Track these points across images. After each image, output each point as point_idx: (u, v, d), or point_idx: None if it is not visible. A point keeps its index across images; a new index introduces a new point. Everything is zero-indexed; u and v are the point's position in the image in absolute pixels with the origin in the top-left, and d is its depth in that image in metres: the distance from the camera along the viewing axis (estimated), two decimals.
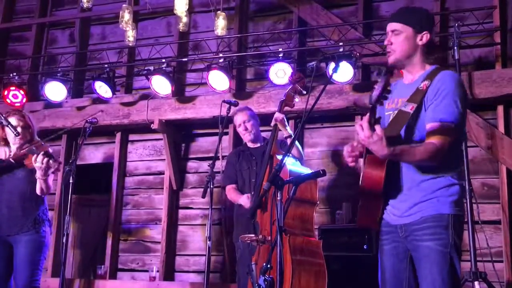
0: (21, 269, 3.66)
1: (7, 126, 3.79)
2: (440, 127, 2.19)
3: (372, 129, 2.12)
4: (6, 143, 3.88)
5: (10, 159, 3.75)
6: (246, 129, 4.27)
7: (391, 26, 2.41)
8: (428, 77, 2.30)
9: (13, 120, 3.81)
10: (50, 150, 3.67)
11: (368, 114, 2.17)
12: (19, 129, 3.78)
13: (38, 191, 3.71)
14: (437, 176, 2.26)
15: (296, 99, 3.90)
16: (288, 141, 3.93)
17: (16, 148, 3.83)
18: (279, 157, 3.63)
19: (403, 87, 2.43)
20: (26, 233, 3.69)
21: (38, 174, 3.62)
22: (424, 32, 2.37)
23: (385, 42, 2.43)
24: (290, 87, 3.92)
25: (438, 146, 2.18)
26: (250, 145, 4.34)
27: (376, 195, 2.31)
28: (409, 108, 2.24)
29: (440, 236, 2.19)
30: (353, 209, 4.62)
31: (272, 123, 3.87)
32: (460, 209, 2.26)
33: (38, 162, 3.56)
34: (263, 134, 4.48)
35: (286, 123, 3.94)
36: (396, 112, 2.33)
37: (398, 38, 2.37)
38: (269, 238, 3.46)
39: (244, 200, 4.05)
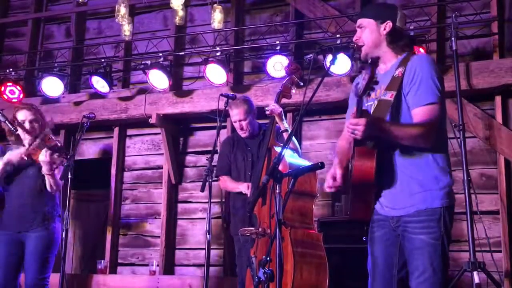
0: (29, 265, 3.66)
1: (5, 122, 3.76)
2: (426, 109, 2.29)
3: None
4: (21, 140, 3.78)
5: (23, 156, 3.67)
6: (241, 128, 4.09)
7: (357, 23, 2.54)
8: (401, 64, 2.39)
9: (21, 114, 3.75)
10: (59, 144, 3.61)
11: (354, 108, 2.23)
12: (27, 124, 3.73)
13: (48, 188, 3.67)
14: (427, 165, 2.33)
15: (293, 90, 3.89)
16: (284, 135, 3.87)
17: (27, 144, 3.74)
18: (277, 149, 3.61)
19: (380, 77, 2.50)
20: (36, 230, 3.68)
21: (44, 169, 3.58)
22: (386, 22, 2.46)
23: (354, 38, 2.54)
24: (287, 78, 3.90)
25: (430, 124, 2.27)
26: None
27: (368, 186, 2.35)
28: (389, 96, 2.32)
29: (432, 229, 2.28)
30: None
31: (268, 112, 3.79)
32: (450, 200, 2.34)
33: (41, 156, 3.51)
34: None
35: (283, 117, 3.90)
36: (376, 102, 2.41)
37: (364, 32, 2.49)
38: (269, 230, 3.46)
39: (244, 188, 3.92)
